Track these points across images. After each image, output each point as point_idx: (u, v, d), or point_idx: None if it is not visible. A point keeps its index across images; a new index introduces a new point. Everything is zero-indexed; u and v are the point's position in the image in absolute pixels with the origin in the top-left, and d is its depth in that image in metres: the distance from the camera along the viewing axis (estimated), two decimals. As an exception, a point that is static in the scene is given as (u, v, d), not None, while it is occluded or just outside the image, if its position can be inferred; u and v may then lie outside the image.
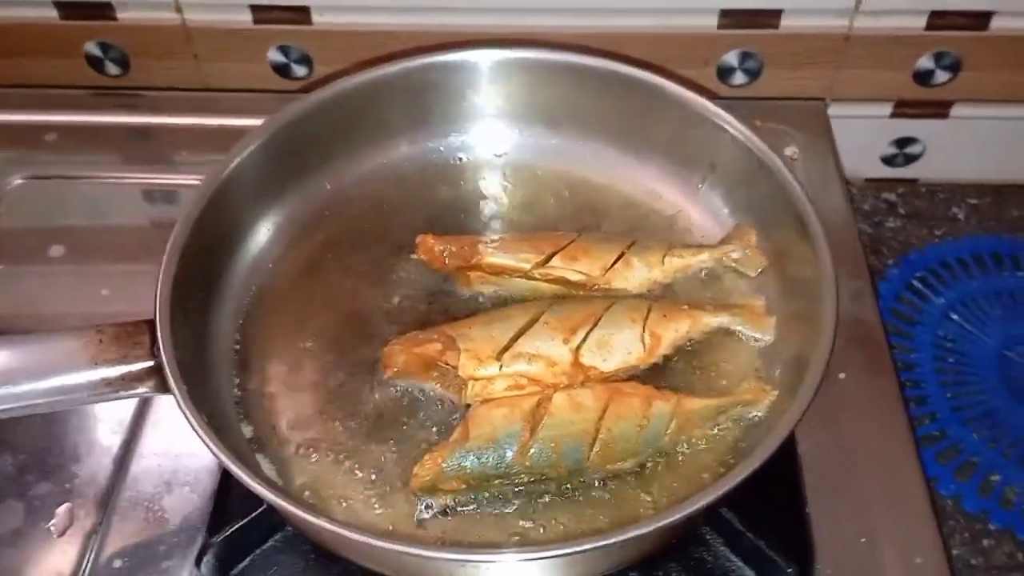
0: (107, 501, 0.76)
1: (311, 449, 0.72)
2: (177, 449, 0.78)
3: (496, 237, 0.82)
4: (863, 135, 1.11)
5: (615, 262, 0.79)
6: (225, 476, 0.76)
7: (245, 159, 0.80)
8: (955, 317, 0.99)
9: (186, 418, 0.64)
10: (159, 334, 0.67)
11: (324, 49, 1.07)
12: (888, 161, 1.14)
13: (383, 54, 1.01)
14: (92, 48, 1.09)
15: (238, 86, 1.11)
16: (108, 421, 0.81)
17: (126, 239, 0.96)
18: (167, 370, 0.66)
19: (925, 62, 1.03)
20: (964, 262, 1.03)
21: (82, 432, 0.81)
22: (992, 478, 0.87)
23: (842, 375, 0.83)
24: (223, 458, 0.62)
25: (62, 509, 0.76)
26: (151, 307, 0.69)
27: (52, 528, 0.75)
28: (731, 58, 1.05)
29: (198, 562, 0.71)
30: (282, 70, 1.09)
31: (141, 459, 0.79)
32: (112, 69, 1.10)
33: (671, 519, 0.60)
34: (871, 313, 0.87)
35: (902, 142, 1.12)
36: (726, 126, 0.81)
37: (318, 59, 1.08)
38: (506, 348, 0.72)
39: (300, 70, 1.09)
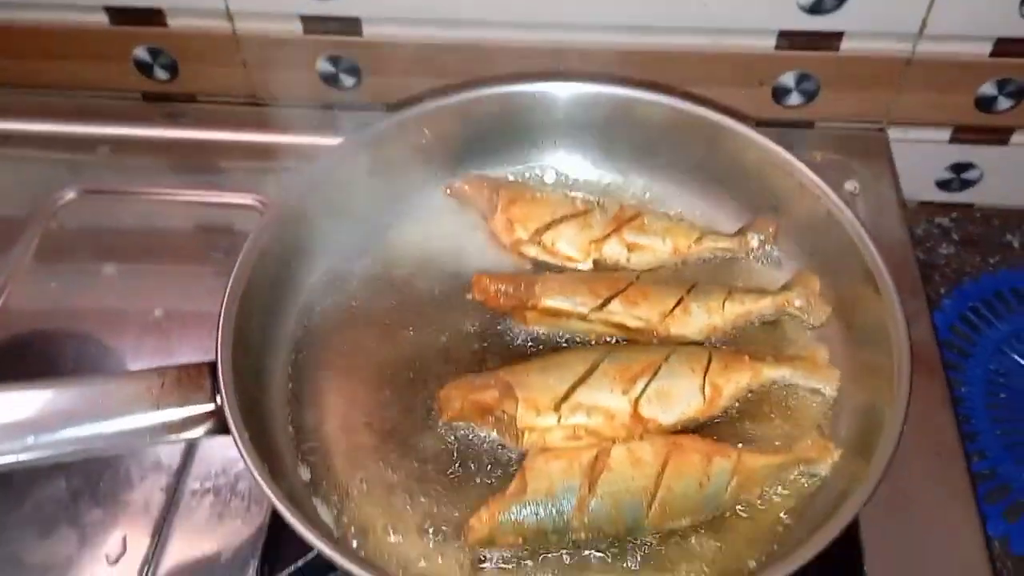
0: (160, 529, 0.77)
1: (366, 493, 0.72)
2: (229, 477, 0.79)
3: (552, 276, 0.80)
4: (919, 159, 1.08)
5: (674, 307, 0.77)
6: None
7: (298, 202, 0.80)
8: (1009, 351, 0.97)
9: (246, 465, 0.64)
10: (221, 377, 0.67)
11: (373, 60, 1.06)
12: (943, 185, 1.12)
13: (437, 85, 1.00)
14: (141, 53, 1.08)
15: (286, 94, 1.10)
16: (161, 447, 0.81)
17: (178, 257, 0.96)
18: (228, 414, 0.66)
19: (988, 88, 1.01)
20: (1019, 293, 1.01)
21: (135, 457, 0.81)
22: (1044, 519, 0.85)
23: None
24: (282, 508, 0.62)
25: (115, 536, 0.77)
26: (205, 329, 0.69)
27: (106, 556, 0.76)
28: (787, 79, 1.03)
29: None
30: (330, 79, 1.08)
31: (194, 486, 0.79)
32: (160, 74, 1.10)
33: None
34: (930, 349, 0.85)
35: (959, 167, 1.10)
36: (795, 173, 0.80)
37: (366, 70, 1.07)
38: (564, 398, 0.71)
39: (348, 80, 1.08)
